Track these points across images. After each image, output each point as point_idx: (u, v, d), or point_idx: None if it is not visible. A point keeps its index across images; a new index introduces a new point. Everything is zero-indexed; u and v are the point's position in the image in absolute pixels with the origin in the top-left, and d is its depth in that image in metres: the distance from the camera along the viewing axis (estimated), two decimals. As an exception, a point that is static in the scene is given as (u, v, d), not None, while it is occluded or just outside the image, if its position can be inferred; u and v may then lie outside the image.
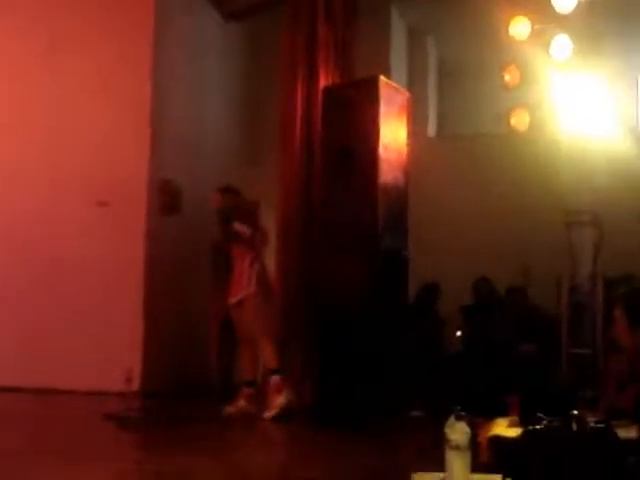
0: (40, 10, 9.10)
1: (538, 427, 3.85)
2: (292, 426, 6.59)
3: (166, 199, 8.98)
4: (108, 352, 8.47)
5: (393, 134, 7.78)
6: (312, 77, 8.16)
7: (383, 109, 7.62)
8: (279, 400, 6.82)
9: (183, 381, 8.57)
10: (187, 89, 9.53)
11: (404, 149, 7.95)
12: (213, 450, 5.45)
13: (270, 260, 7.74)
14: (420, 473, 3.38)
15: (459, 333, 8.47)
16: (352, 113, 7.71)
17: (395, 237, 7.67)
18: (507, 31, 8.40)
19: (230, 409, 7.04)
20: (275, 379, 6.94)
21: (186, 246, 8.94)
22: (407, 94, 8.30)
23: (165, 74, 9.02)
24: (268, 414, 6.76)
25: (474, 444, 3.33)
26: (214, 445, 5.71)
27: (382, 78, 7.80)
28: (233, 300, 7.16)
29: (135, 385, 7.99)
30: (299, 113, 8.14)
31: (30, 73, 9.10)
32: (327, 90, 8.04)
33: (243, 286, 7.03)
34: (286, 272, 7.90)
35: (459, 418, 3.19)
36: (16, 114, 9.08)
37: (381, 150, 7.53)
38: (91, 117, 8.86)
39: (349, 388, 7.08)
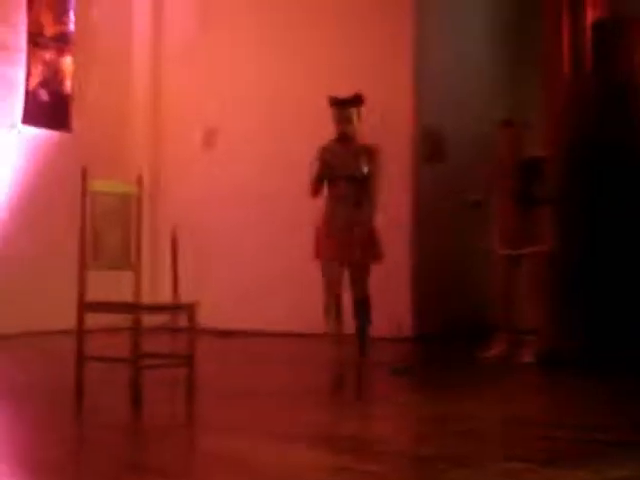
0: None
1: None
2: (558, 373, 6.44)
3: (430, 146, 8.95)
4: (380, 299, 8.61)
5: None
6: (578, 10, 7.75)
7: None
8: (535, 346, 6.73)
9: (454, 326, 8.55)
10: (449, 29, 9.36)
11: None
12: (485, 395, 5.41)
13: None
14: None
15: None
16: (624, 49, 7.33)
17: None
18: None
19: (489, 353, 6.97)
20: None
21: (452, 190, 8.75)
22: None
23: (426, 15, 8.93)
24: (527, 359, 6.68)
25: None
26: (483, 390, 5.67)
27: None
28: (522, 251, 6.99)
29: (406, 331, 8.16)
30: (565, 49, 7.77)
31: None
32: (597, 25, 7.64)
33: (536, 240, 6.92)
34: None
35: None
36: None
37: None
38: (350, 63, 8.90)
39: (619, 335, 6.84)
